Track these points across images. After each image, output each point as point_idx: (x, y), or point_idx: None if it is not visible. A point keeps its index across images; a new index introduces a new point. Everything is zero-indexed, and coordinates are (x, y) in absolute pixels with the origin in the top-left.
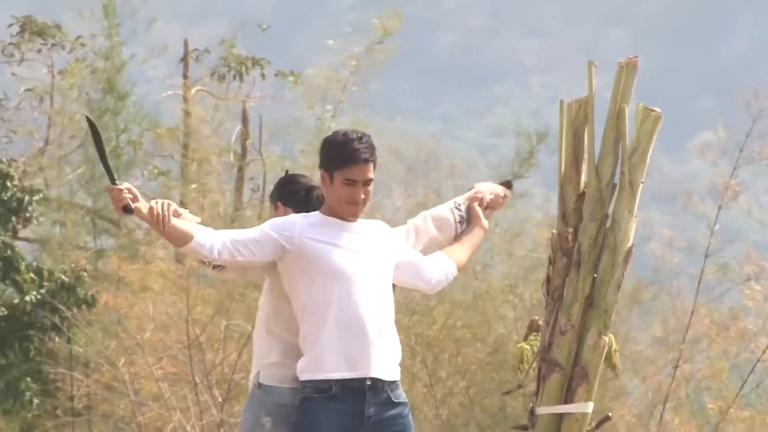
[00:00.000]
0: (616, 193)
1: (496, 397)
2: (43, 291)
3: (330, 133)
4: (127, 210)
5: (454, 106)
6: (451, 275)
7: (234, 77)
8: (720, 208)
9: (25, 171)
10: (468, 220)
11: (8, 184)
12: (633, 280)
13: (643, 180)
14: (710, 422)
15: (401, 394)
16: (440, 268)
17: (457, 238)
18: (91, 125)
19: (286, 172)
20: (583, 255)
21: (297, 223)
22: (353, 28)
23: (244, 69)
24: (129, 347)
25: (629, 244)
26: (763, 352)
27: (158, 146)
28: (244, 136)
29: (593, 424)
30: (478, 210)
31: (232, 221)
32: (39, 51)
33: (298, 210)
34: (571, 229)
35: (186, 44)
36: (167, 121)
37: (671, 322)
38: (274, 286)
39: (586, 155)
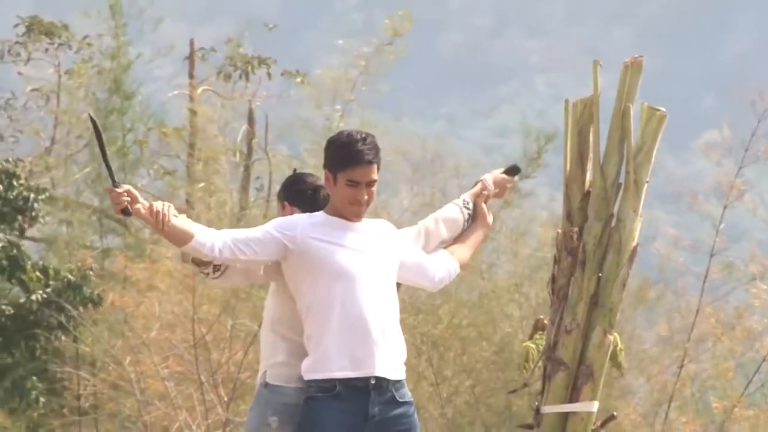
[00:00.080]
0: (621, 192)
1: (501, 396)
2: (49, 290)
3: (334, 134)
4: (126, 213)
5: (458, 105)
6: (453, 274)
7: (240, 77)
8: (725, 207)
9: (32, 171)
10: (473, 217)
11: (14, 183)
12: (638, 279)
13: (647, 179)
14: (715, 421)
15: (406, 394)
16: (444, 267)
17: (461, 234)
18: (94, 125)
19: (294, 170)
20: (588, 254)
21: (300, 222)
22: (360, 28)
23: (250, 68)
24: (135, 346)
25: (634, 244)
26: None
27: (164, 146)
28: (250, 136)
29: (598, 423)
30: (485, 208)
31: (238, 221)
32: (46, 51)
33: (304, 209)
34: (576, 229)
35: (192, 44)
36: (173, 120)
37: (676, 321)
38: (279, 287)
39: (591, 154)
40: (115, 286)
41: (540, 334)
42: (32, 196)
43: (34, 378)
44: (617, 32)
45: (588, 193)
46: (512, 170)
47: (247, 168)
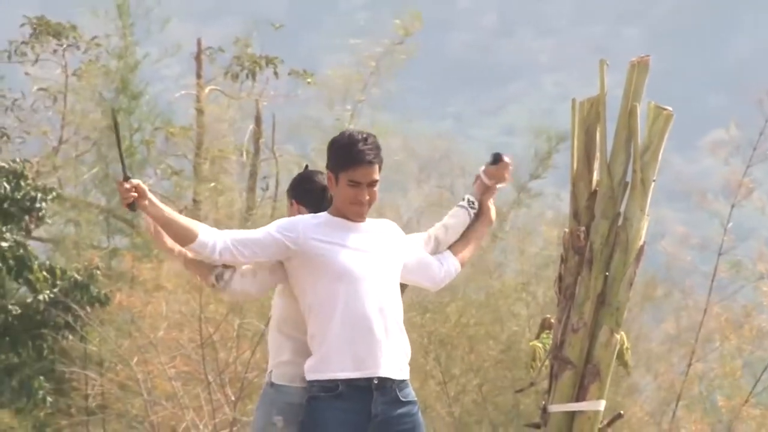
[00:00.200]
0: (628, 191)
1: (509, 395)
2: (56, 290)
3: (337, 134)
4: (132, 208)
5: (466, 105)
6: (455, 273)
7: (247, 76)
8: (733, 206)
9: (39, 171)
10: (477, 213)
11: (22, 183)
12: (645, 277)
13: (654, 178)
14: (722, 420)
15: (410, 393)
16: (445, 267)
17: (466, 232)
18: (114, 119)
19: (306, 167)
20: (595, 253)
21: (302, 223)
22: (365, 28)
23: (257, 68)
24: (142, 346)
25: (641, 242)
26: None
27: (171, 145)
28: (257, 136)
29: (605, 421)
30: (489, 204)
31: (245, 220)
32: (54, 52)
33: (311, 209)
34: (583, 228)
35: (199, 43)
36: (180, 120)
37: (684, 319)
38: (285, 287)
39: (598, 153)
40: (122, 287)
41: (547, 333)
42: (39, 196)
43: (41, 378)
44: (625, 32)
45: (595, 192)
46: (495, 159)
47: (254, 167)
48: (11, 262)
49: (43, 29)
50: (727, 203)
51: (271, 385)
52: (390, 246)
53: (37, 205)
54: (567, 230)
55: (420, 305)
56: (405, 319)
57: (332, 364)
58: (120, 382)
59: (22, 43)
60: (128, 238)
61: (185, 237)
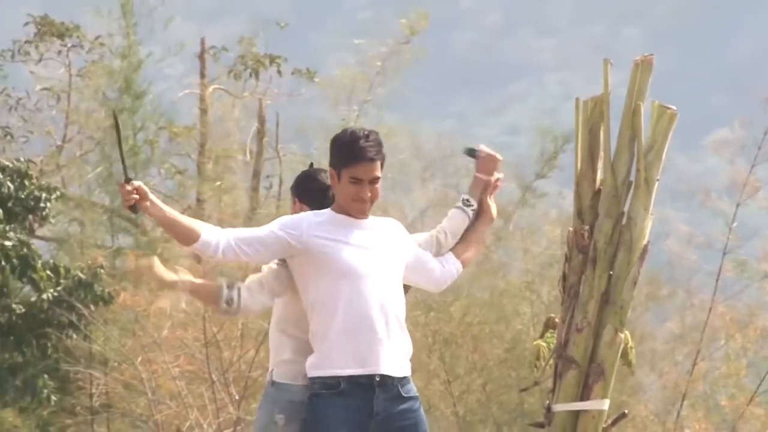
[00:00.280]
0: (631, 190)
1: (513, 394)
2: (60, 288)
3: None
4: (133, 209)
5: (469, 104)
6: (456, 274)
7: (250, 75)
8: (738, 205)
9: (42, 170)
10: (478, 211)
11: (26, 182)
12: (649, 277)
13: (658, 177)
14: (726, 420)
15: (412, 389)
16: (447, 269)
17: (465, 231)
18: (116, 121)
19: (311, 164)
20: (599, 252)
21: (305, 221)
22: (369, 27)
23: (261, 67)
24: (146, 345)
25: (645, 241)
26: None
27: (175, 145)
28: (260, 135)
29: (609, 421)
30: (490, 201)
31: (249, 219)
32: (59, 53)
33: (313, 207)
34: (587, 227)
35: (203, 42)
36: (184, 119)
37: (689, 319)
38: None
39: (601, 153)
40: (126, 286)
41: (551, 332)
42: (44, 196)
43: (46, 376)
44: (628, 31)
45: (599, 191)
46: (471, 153)
47: (257, 167)
48: (15, 261)
49: (47, 29)
50: (731, 202)
51: (273, 383)
52: (393, 244)
53: (41, 204)
54: (571, 229)
55: (424, 304)
56: (409, 318)
57: (334, 361)
58: (124, 381)
59: (26, 42)
60: (132, 238)
61: (188, 237)
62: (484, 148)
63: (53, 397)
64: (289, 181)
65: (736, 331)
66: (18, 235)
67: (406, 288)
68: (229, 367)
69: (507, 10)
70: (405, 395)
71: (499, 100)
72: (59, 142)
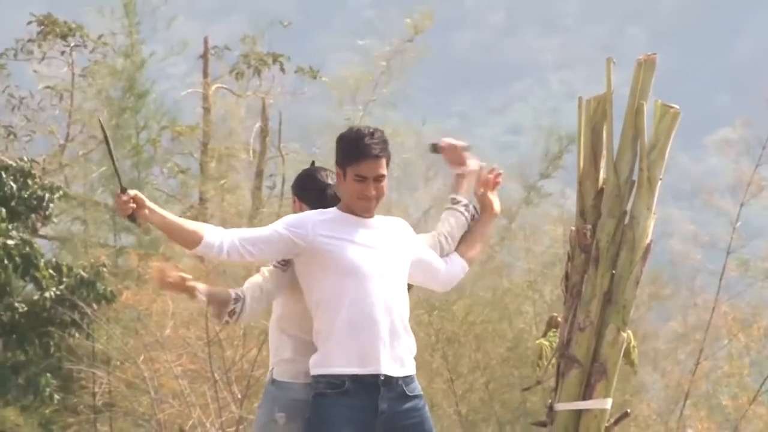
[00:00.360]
0: (634, 189)
1: (516, 393)
2: (62, 287)
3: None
4: (132, 219)
5: (472, 103)
6: (462, 273)
7: (253, 74)
8: (742, 205)
9: (45, 168)
10: (480, 209)
11: (29, 182)
12: (652, 276)
13: (661, 177)
14: (729, 419)
15: (416, 387)
16: (452, 268)
17: (469, 230)
18: (104, 132)
19: (312, 163)
20: (601, 251)
21: (310, 220)
22: (373, 26)
23: (264, 65)
24: (149, 344)
25: (648, 241)
26: None
27: (178, 144)
28: (263, 134)
29: (612, 420)
30: (493, 199)
31: (252, 218)
32: (62, 53)
33: (312, 206)
34: (589, 226)
35: (206, 42)
36: (187, 118)
37: (692, 318)
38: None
39: (604, 152)
40: (129, 285)
41: (554, 331)
42: (47, 195)
43: (48, 375)
44: (631, 30)
45: (601, 190)
46: (435, 149)
47: (260, 166)
48: (17, 259)
49: (51, 29)
50: (734, 202)
51: (273, 382)
52: (399, 243)
53: (44, 204)
54: (573, 228)
55: (427, 303)
56: (412, 317)
57: (337, 360)
58: (127, 380)
59: (29, 40)
60: (135, 237)
61: (190, 240)
62: (445, 140)
63: (56, 396)
64: (291, 180)
65: (738, 330)
66: (20, 234)
67: (409, 287)
68: (231, 366)
69: (510, 9)
70: (410, 394)
71: (501, 99)
72: (62, 141)
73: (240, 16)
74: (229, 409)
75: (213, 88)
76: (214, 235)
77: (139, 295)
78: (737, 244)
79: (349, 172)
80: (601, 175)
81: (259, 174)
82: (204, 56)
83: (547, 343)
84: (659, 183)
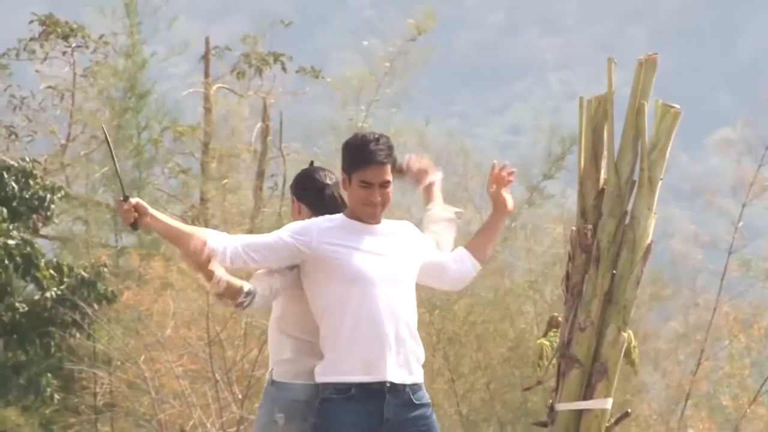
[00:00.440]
0: (635, 189)
1: (517, 393)
2: (63, 287)
3: (349, 134)
4: (134, 227)
5: (472, 103)
6: (474, 272)
7: (255, 74)
8: (744, 205)
9: (46, 168)
10: (493, 207)
11: (31, 182)
12: (653, 276)
13: (662, 177)
14: (730, 419)
15: (424, 396)
16: (465, 268)
17: (481, 229)
18: (107, 141)
19: (311, 163)
20: (602, 251)
21: (316, 227)
22: (374, 26)
23: (265, 65)
24: (150, 344)
25: (648, 241)
26: None
27: (179, 144)
28: (264, 134)
29: (612, 420)
30: (505, 196)
31: (253, 218)
32: (64, 54)
33: (310, 207)
34: (590, 226)
35: (207, 42)
36: (188, 118)
37: (693, 318)
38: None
39: (605, 152)
40: (130, 285)
41: (554, 331)
42: (48, 196)
43: (49, 375)
44: (632, 30)
45: (602, 190)
46: (399, 168)
47: (261, 166)
48: (18, 259)
49: (52, 29)
50: (735, 202)
51: (273, 383)
52: (406, 249)
53: (46, 204)
54: (574, 229)
55: (429, 303)
56: None
57: (343, 368)
58: (128, 380)
59: (31, 39)
60: (136, 237)
61: (194, 248)
62: (405, 158)
63: (57, 396)
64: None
65: (739, 330)
66: (21, 234)
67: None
68: (232, 366)
69: (510, 8)
70: (417, 402)
71: (502, 99)
72: (63, 141)
73: (241, 16)
74: (230, 410)
75: (214, 88)
76: (217, 242)
77: (140, 296)
78: (739, 244)
79: (355, 178)
80: (602, 175)
81: (260, 174)
82: (205, 56)
83: (547, 343)
84: (660, 183)
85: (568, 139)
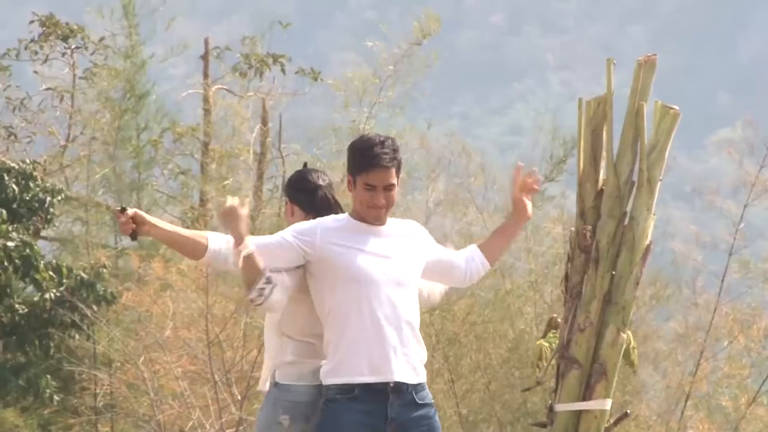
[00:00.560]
0: (634, 190)
1: (516, 394)
2: (62, 288)
3: (356, 137)
4: (133, 237)
5: (473, 103)
6: (483, 272)
7: (255, 74)
8: (746, 206)
9: (46, 169)
10: (514, 212)
11: (31, 184)
12: (653, 277)
13: (661, 177)
14: (730, 420)
15: (427, 396)
16: (474, 267)
17: (497, 229)
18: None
19: (304, 165)
20: (601, 252)
21: (320, 227)
22: (374, 27)
23: (265, 66)
24: (149, 345)
25: (647, 242)
26: None
27: (178, 145)
28: (264, 135)
29: (612, 420)
30: (527, 201)
31: (253, 220)
32: (63, 55)
33: (304, 209)
34: (589, 227)
35: (207, 42)
36: (188, 119)
37: (692, 319)
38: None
39: (604, 153)
40: (129, 286)
41: (553, 332)
42: (48, 199)
43: (48, 376)
44: (633, 30)
45: (601, 191)
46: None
47: (261, 167)
48: (17, 261)
49: (52, 30)
50: (736, 202)
51: (276, 384)
52: (410, 250)
53: (46, 206)
54: (573, 229)
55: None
56: None
57: (348, 369)
58: (127, 382)
59: (31, 41)
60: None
61: (195, 251)
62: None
63: (56, 397)
64: None
65: (739, 331)
66: (21, 236)
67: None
68: (231, 367)
69: (511, 8)
70: (420, 402)
71: (502, 99)
72: (63, 142)
73: (240, 16)
74: (229, 411)
75: (213, 89)
76: (219, 244)
77: (140, 297)
78: (739, 245)
79: (359, 180)
80: (601, 176)
81: (260, 175)
82: (205, 57)
83: (546, 344)
84: (659, 184)
85: (570, 141)
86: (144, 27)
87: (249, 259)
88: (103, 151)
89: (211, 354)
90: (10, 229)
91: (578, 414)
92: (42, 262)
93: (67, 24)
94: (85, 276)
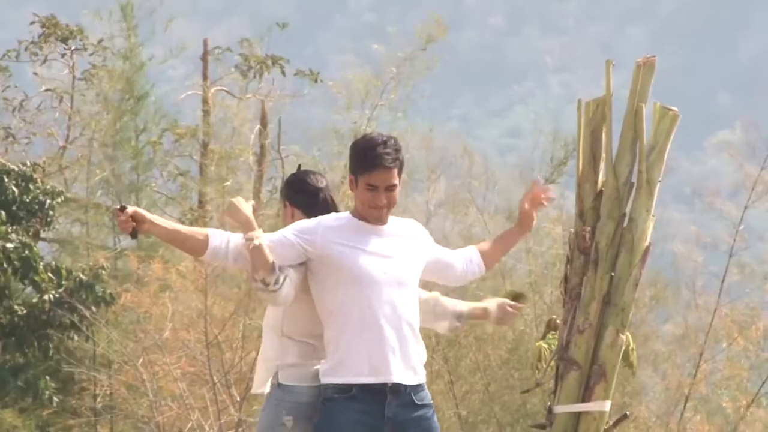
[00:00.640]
0: (633, 191)
1: (516, 395)
2: (61, 290)
3: (359, 137)
4: (134, 236)
5: (472, 105)
6: (479, 274)
7: (254, 76)
8: (746, 207)
9: (45, 170)
10: (519, 223)
11: (30, 186)
12: (652, 278)
13: (660, 179)
14: (729, 421)
15: (426, 396)
16: (470, 268)
17: (500, 236)
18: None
19: (299, 167)
20: (600, 254)
21: (321, 225)
22: (373, 29)
23: (264, 68)
24: (148, 347)
25: (647, 243)
26: None
27: (178, 146)
28: (263, 136)
29: (611, 422)
30: (533, 214)
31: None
32: (63, 56)
33: (304, 211)
34: (588, 228)
35: (206, 44)
36: (187, 120)
37: (691, 320)
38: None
39: (603, 154)
40: (128, 287)
41: (553, 333)
42: (48, 201)
43: (47, 378)
44: (633, 31)
45: (600, 192)
46: (518, 297)
47: (260, 168)
48: (16, 263)
49: (52, 31)
50: (736, 204)
51: (279, 385)
52: (411, 250)
53: (45, 208)
54: (573, 231)
55: None
56: None
57: (347, 369)
58: (126, 383)
59: (31, 42)
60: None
61: (196, 248)
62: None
63: (55, 398)
64: None
65: (738, 333)
66: (20, 237)
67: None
68: (230, 368)
69: (510, 9)
70: (418, 402)
71: (502, 101)
72: (62, 144)
73: (240, 18)
74: (228, 412)
75: (212, 90)
76: (220, 241)
77: (139, 298)
78: (739, 247)
79: (361, 180)
80: (600, 177)
81: (259, 177)
82: (204, 58)
83: (545, 345)
84: (658, 185)
85: (571, 143)
86: (143, 28)
87: (259, 248)
88: (102, 153)
89: (210, 355)
90: (9, 230)
91: (577, 415)
92: (41, 263)
93: (67, 25)
94: (84, 277)
